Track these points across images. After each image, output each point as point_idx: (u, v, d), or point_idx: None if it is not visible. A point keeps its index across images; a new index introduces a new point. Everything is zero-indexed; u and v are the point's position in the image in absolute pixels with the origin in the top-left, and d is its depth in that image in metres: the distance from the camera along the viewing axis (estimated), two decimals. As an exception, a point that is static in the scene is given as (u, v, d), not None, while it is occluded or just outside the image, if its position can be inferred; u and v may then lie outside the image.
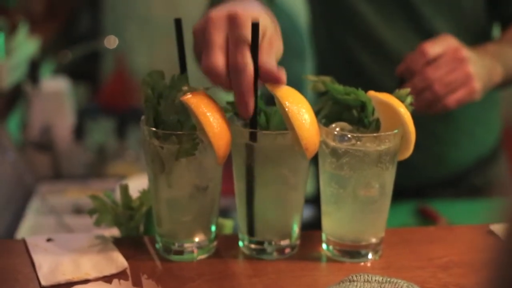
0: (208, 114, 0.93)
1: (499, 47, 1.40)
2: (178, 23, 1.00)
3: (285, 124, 0.97)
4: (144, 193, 1.07)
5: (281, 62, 0.98)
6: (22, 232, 1.64)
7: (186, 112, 0.95)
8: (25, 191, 1.87)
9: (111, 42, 2.82)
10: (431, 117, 1.36)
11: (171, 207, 0.99)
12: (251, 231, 1.02)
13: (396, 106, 0.97)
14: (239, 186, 1.02)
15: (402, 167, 1.04)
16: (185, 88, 0.95)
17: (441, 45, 1.26)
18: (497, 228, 1.09)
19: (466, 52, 1.26)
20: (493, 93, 1.52)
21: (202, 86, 0.97)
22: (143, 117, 0.98)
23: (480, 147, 1.67)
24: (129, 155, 2.18)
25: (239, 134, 0.98)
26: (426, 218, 1.65)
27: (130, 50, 3.03)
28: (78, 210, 1.79)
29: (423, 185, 1.67)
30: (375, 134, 0.98)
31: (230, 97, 0.98)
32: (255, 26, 0.92)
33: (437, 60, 1.24)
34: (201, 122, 0.93)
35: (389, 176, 1.01)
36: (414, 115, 0.99)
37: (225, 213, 1.36)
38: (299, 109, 0.95)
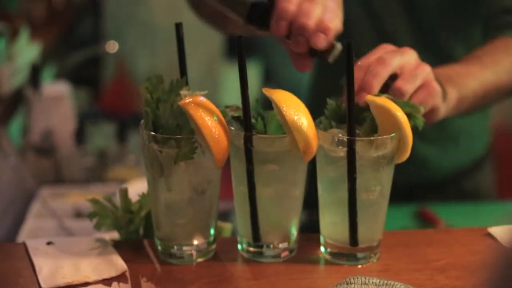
0: (206, 118, 0.94)
1: (463, 68, 1.26)
2: (178, 27, 1.01)
3: (282, 128, 0.98)
4: (143, 197, 1.07)
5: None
6: (23, 235, 1.64)
7: (184, 116, 0.96)
8: (26, 195, 1.88)
9: (112, 46, 2.82)
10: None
11: (170, 210, 1.00)
12: (256, 237, 1.02)
13: (393, 110, 0.98)
14: (237, 189, 1.03)
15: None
16: (184, 92, 0.96)
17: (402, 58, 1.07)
18: (495, 231, 1.09)
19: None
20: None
21: (200, 91, 0.97)
22: (142, 121, 0.99)
23: (465, 155, 1.67)
24: (130, 160, 2.18)
25: (238, 137, 0.99)
26: (426, 221, 1.66)
27: (131, 55, 3.03)
28: (78, 214, 1.79)
29: (413, 187, 1.66)
30: (372, 138, 0.98)
31: (229, 101, 0.98)
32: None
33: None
34: (200, 126, 0.94)
35: (387, 180, 1.01)
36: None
37: (224, 216, 1.36)
38: (296, 113, 0.95)
